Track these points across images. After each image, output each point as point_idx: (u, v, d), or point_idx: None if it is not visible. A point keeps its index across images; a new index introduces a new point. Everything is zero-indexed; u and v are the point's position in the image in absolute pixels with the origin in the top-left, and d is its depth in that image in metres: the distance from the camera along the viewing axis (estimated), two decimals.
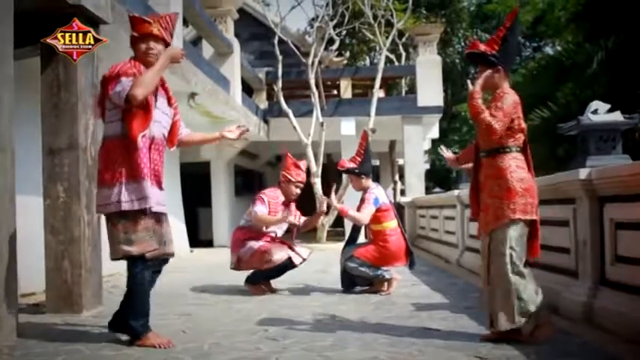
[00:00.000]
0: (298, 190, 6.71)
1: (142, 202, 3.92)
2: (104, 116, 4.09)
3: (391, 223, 6.33)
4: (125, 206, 3.90)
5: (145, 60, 4.08)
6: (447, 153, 4.79)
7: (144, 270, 4.02)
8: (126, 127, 3.93)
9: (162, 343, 3.97)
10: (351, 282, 6.48)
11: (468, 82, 4.04)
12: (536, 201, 3.93)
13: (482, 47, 4.03)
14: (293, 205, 6.81)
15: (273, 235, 6.65)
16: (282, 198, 6.62)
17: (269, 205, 6.46)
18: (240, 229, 6.64)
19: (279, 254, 6.41)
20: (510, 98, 3.92)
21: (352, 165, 6.51)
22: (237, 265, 6.58)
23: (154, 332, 4.07)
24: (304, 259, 6.62)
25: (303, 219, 6.84)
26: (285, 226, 6.76)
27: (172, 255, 4.22)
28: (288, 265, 6.49)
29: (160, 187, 4.10)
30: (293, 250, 6.55)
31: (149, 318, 4.10)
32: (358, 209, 6.34)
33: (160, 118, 4.13)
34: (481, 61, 4.07)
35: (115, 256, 4.05)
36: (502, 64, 4.00)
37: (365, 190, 6.41)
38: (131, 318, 4.04)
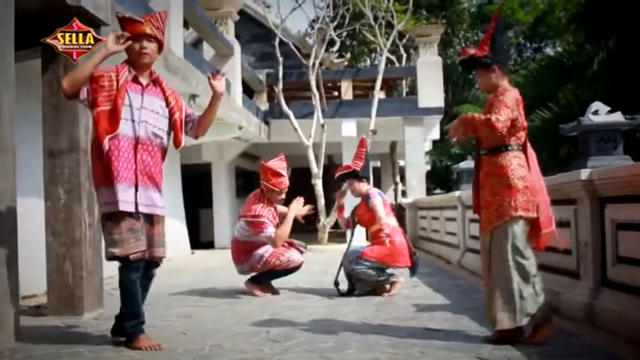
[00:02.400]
0: (283, 196, 6.62)
1: (112, 206, 3.94)
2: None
3: (391, 220, 6.31)
4: (110, 208, 3.96)
5: (138, 60, 4.10)
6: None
7: (129, 272, 4.01)
8: (95, 130, 4.02)
9: (152, 345, 3.96)
10: (354, 284, 6.34)
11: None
12: (537, 198, 3.93)
13: (472, 51, 4.08)
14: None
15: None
16: (272, 207, 6.51)
17: (271, 222, 6.38)
18: (240, 243, 6.54)
19: (296, 255, 6.46)
20: (512, 94, 3.94)
21: (357, 168, 6.49)
22: (252, 272, 6.52)
23: (146, 335, 4.06)
24: (302, 253, 6.69)
25: (282, 209, 6.73)
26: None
27: (161, 258, 4.21)
28: (299, 266, 6.54)
29: (156, 188, 4.12)
30: (297, 249, 6.59)
31: (140, 320, 4.10)
32: (369, 218, 6.32)
33: (147, 117, 4.11)
34: (475, 65, 4.11)
35: (107, 257, 4.09)
36: (496, 62, 4.03)
37: (364, 194, 6.40)
38: (122, 319, 4.08)
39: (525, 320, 3.84)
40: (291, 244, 6.58)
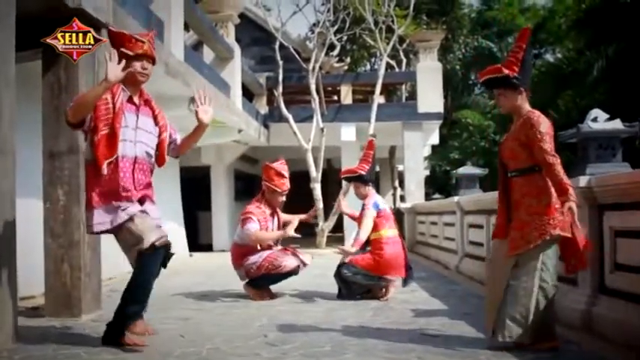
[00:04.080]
0: (284, 199, 6.63)
1: (120, 217, 4.00)
2: (85, 134, 4.19)
3: (388, 232, 6.27)
4: (106, 226, 4.01)
5: (135, 80, 4.12)
6: None
7: (150, 263, 4.03)
8: (93, 152, 4.03)
9: (137, 342, 4.00)
10: (348, 290, 6.40)
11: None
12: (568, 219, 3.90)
13: (506, 71, 3.97)
14: (279, 211, 6.74)
15: (269, 245, 6.53)
16: (268, 210, 6.54)
17: (259, 221, 6.39)
18: (239, 246, 6.55)
19: (290, 261, 6.38)
20: (546, 121, 3.92)
21: (362, 172, 6.50)
22: (247, 277, 6.51)
23: (142, 320, 4.24)
24: (306, 265, 6.62)
25: (287, 217, 6.76)
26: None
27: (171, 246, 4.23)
28: (295, 272, 6.48)
29: (152, 202, 4.23)
30: (296, 255, 6.55)
31: (143, 308, 4.21)
32: (360, 217, 6.33)
33: (143, 137, 4.16)
34: (502, 85, 4.04)
35: (134, 258, 4.07)
36: (523, 85, 4.01)
37: (366, 197, 6.40)
38: (127, 304, 4.07)
39: (527, 335, 3.85)
40: (293, 254, 6.54)
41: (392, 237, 6.28)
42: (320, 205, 14.21)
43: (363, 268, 6.22)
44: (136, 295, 4.09)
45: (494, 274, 4.12)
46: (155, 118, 4.28)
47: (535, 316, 3.86)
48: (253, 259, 6.38)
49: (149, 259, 4.02)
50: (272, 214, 6.58)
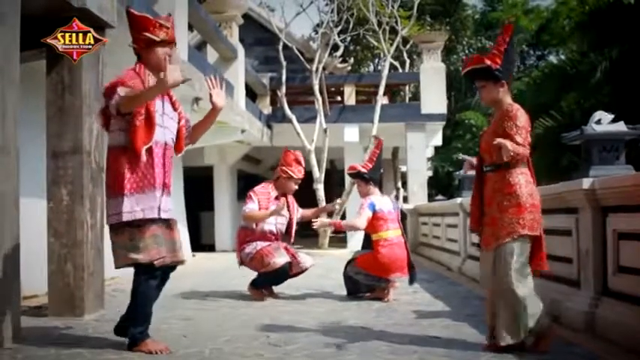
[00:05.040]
0: (296, 186, 6.68)
1: (149, 212, 3.89)
2: (108, 125, 4.02)
3: (387, 233, 6.26)
4: (137, 215, 3.87)
5: (159, 66, 3.94)
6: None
7: (150, 279, 3.97)
8: (129, 138, 3.87)
9: (159, 349, 3.93)
10: (353, 285, 6.49)
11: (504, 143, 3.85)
12: (541, 217, 3.93)
13: (488, 62, 3.98)
14: (292, 199, 6.75)
15: (274, 234, 6.55)
16: (274, 193, 6.55)
17: (259, 202, 6.42)
18: (243, 229, 6.59)
19: (280, 258, 6.34)
20: (523, 115, 3.91)
21: (363, 170, 6.52)
22: (243, 264, 6.59)
23: (152, 339, 4.03)
24: (306, 269, 6.64)
25: (301, 211, 6.82)
26: (284, 224, 6.66)
27: (183, 262, 4.15)
28: (287, 271, 6.45)
29: (169, 194, 4.08)
30: (295, 257, 6.55)
31: (149, 325, 4.08)
32: (369, 225, 6.31)
33: (168, 124, 4.09)
34: (484, 77, 4.04)
35: (120, 264, 4.00)
36: (505, 78, 4.01)
37: (366, 196, 6.41)
38: (131, 324, 4.02)
39: (526, 336, 3.83)
40: (287, 251, 6.56)
41: (391, 238, 6.27)
42: (323, 205, 14.20)
43: (363, 269, 6.29)
44: (136, 317, 4.01)
45: (486, 277, 4.13)
46: (173, 104, 4.19)
47: (525, 311, 3.81)
48: (249, 249, 6.44)
49: (146, 275, 3.96)
50: (277, 198, 6.56)
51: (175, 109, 4.21)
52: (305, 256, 6.67)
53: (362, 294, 6.47)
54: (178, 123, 4.22)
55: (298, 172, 6.59)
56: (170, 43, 4.03)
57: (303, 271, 6.66)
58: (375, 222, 6.26)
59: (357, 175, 6.57)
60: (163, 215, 3.98)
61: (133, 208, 3.87)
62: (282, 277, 6.50)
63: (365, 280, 6.34)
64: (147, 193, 3.91)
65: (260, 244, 6.42)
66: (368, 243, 6.60)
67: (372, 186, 6.47)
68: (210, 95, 4.21)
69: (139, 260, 3.89)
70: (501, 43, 4.03)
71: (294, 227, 6.74)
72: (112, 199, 3.94)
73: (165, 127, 4.06)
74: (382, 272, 6.23)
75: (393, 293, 6.33)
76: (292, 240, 6.79)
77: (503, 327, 3.85)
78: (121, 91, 3.82)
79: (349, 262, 6.50)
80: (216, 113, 4.30)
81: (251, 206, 6.39)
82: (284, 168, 6.60)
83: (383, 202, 6.41)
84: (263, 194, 6.50)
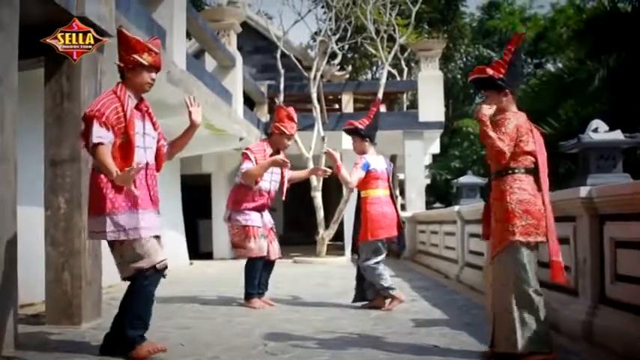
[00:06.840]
0: (289, 142, 6.73)
1: (132, 233, 3.95)
2: (87, 147, 4.08)
3: (376, 192, 6.31)
4: (121, 236, 3.95)
5: (142, 90, 4.13)
6: None
7: (150, 283, 4.03)
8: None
9: (157, 349, 3.98)
10: (361, 292, 6.42)
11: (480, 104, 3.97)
12: (541, 222, 3.89)
13: (490, 71, 4.00)
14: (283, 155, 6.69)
15: (267, 192, 6.57)
16: (269, 150, 6.57)
17: (255, 160, 6.43)
18: (237, 188, 6.59)
19: (258, 245, 6.40)
20: (512, 123, 3.91)
21: (360, 126, 6.50)
22: (227, 221, 6.62)
23: (148, 341, 4.06)
24: (273, 261, 6.66)
25: (291, 172, 6.85)
26: (277, 182, 6.70)
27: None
28: (259, 267, 6.49)
29: (158, 210, 4.17)
30: (270, 244, 6.58)
31: (146, 329, 4.10)
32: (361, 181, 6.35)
33: (150, 143, 4.18)
34: (488, 86, 4.07)
35: (126, 275, 4.05)
36: (509, 87, 4.02)
37: (362, 154, 6.42)
38: (130, 327, 4.01)
39: (525, 347, 3.81)
40: (270, 243, 6.58)
41: (379, 197, 6.31)
42: (321, 214, 14.19)
43: (364, 243, 6.25)
44: (133, 322, 4.02)
45: (487, 283, 4.13)
46: (154, 124, 4.29)
47: (525, 324, 3.79)
48: (241, 217, 6.48)
49: (148, 280, 4.01)
50: (273, 155, 6.56)
51: (155, 129, 4.29)
52: (276, 249, 6.68)
53: (368, 301, 6.38)
54: (158, 142, 4.32)
55: (290, 129, 6.61)
56: (156, 68, 4.16)
57: (271, 262, 6.67)
58: (367, 180, 6.31)
59: (353, 132, 6.56)
60: (150, 234, 4.03)
61: (117, 228, 3.95)
62: (257, 270, 6.51)
63: (380, 281, 6.18)
64: (130, 213, 3.97)
65: (252, 220, 6.46)
66: (358, 224, 6.54)
67: (367, 143, 6.47)
68: (190, 113, 4.35)
69: (143, 267, 3.96)
70: (507, 53, 4.06)
71: (286, 185, 6.80)
72: (94, 218, 4.04)
73: (148, 148, 4.15)
74: (376, 232, 6.20)
75: (395, 305, 6.27)
76: (284, 197, 6.85)
77: (502, 337, 3.85)
78: (97, 129, 3.91)
79: (358, 252, 6.39)
80: (194, 129, 4.43)
81: (247, 165, 6.42)
82: (277, 124, 6.64)
83: (377, 161, 6.42)
84: (259, 152, 6.52)
